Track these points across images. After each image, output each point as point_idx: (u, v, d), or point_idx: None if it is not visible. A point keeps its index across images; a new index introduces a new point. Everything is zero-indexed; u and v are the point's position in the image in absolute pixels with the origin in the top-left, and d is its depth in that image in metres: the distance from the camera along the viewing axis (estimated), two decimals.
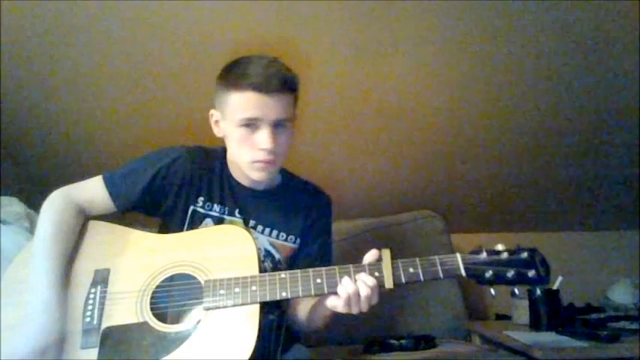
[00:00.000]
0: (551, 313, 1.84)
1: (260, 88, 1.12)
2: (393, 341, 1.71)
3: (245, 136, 1.16)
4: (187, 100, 1.79)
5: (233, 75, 1.16)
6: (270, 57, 1.19)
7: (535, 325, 1.87)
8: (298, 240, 1.31)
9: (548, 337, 1.72)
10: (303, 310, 1.25)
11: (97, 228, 1.21)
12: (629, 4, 1.55)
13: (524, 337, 1.71)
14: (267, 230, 1.28)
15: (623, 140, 2.06)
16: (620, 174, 2.21)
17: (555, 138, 2.06)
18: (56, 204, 1.19)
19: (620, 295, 2.21)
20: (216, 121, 1.24)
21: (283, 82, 1.14)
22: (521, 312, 1.94)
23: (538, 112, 1.94)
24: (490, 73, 1.79)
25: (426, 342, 1.73)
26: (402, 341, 1.71)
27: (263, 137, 1.15)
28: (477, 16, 1.59)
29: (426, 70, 1.78)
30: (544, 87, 1.85)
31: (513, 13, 1.59)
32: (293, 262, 1.31)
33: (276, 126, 1.16)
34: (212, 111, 1.25)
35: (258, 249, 1.22)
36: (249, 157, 1.18)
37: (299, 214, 1.31)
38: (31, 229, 1.54)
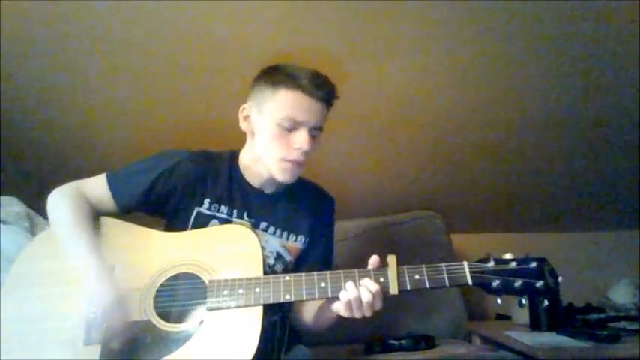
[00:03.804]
0: (551, 313, 1.84)
1: (310, 92, 1.17)
2: (393, 341, 1.71)
3: (281, 134, 1.19)
4: (189, 101, 1.79)
5: (282, 74, 1.20)
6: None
7: (535, 325, 1.87)
8: (307, 240, 1.32)
9: (548, 337, 1.72)
10: (307, 311, 1.26)
11: (102, 223, 1.21)
12: (629, 4, 1.55)
13: (524, 337, 1.71)
14: (279, 232, 1.29)
15: (623, 140, 2.06)
16: (620, 174, 2.21)
17: (555, 138, 2.05)
18: (67, 194, 1.20)
19: (620, 295, 2.21)
20: (247, 116, 1.25)
21: (329, 93, 1.21)
22: (522, 312, 1.93)
23: (538, 112, 1.94)
24: (491, 74, 1.79)
25: (426, 342, 1.73)
26: (402, 341, 1.71)
27: (302, 138, 1.18)
28: (477, 16, 1.59)
29: (426, 70, 1.77)
30: (544, 87, 1.85)
31: (514, 13, 1.58)
32: (299, 262, 1.32)
33: (312, 132, 1.20)
34: (244, 105, 1.26)
35: (267, 250, 1.24)
36: (280, 155, 1.19)
37: (306, 214, 1.32)
38: (31, 229, 1.53)
